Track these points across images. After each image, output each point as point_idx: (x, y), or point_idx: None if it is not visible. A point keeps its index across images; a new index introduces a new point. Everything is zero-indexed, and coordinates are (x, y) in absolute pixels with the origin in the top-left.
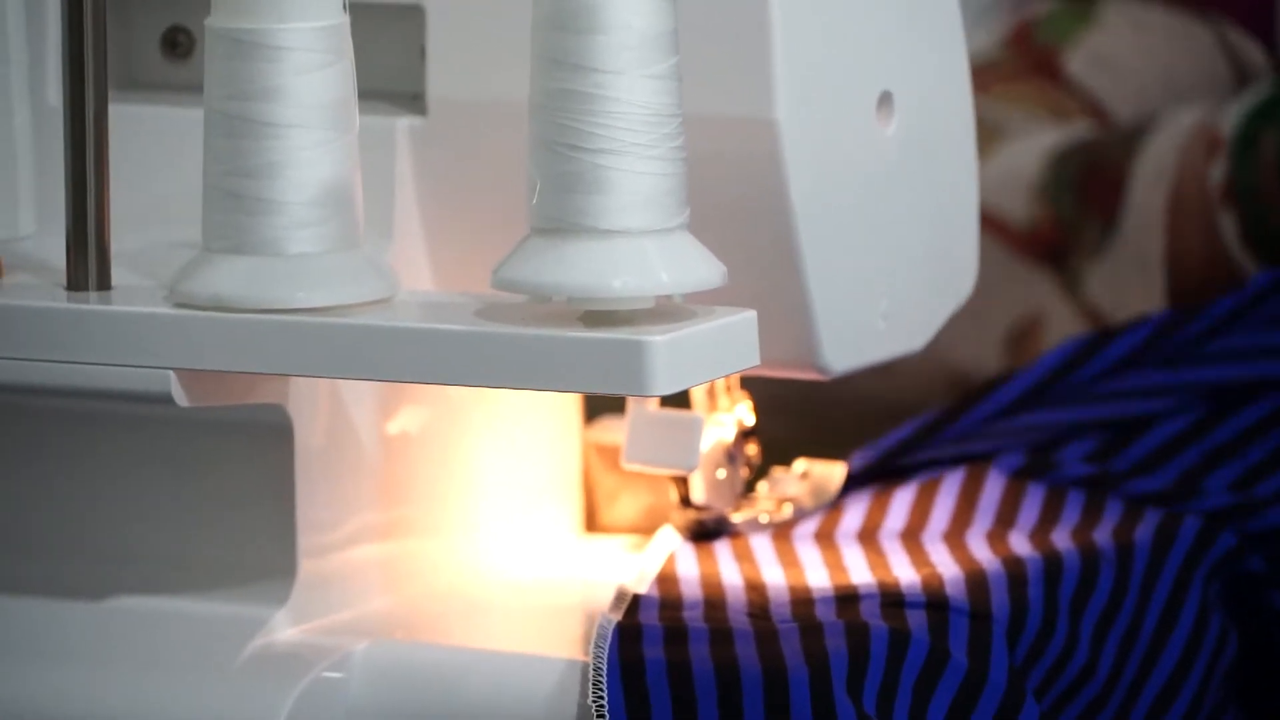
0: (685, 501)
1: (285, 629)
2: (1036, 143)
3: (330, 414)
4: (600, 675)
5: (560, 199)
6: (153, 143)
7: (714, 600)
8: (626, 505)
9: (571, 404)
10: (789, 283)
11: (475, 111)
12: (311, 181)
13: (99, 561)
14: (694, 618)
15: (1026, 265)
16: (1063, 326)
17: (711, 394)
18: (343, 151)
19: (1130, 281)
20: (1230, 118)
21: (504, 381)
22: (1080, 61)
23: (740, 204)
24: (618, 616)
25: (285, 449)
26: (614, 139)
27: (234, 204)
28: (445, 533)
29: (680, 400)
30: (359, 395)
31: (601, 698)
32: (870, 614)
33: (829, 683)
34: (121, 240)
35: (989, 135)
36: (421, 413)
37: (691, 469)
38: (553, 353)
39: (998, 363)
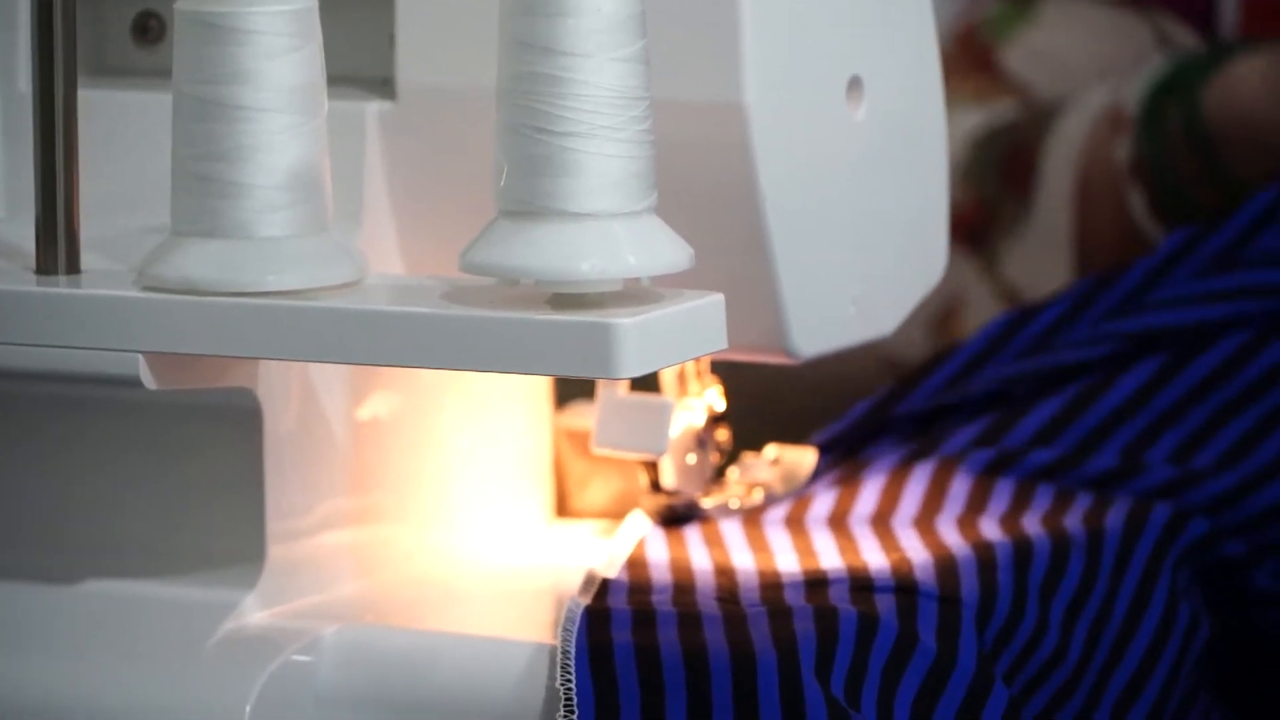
0: (655, 486)
1: (255, 613)
2: (959, 127)
3: (300, 399)
4: (568, 659)
5: (528, 182)
6: (123, 128)
7: (683, 585)
8: (597, 490)
9: (542, 389)
10: (758, 267)
11: (444, 96)
12: (281, 165)
13: (66, 546)
14: (663, 602)
15: (951, 248)
16: (982, 307)
17: (682, 379)
18: (312, 135)
19: (1043, 260)
20: (1134, 94)
21: (473, 364)
22: (1016, 56)
23: (709, 188)
24: (586, 600)
25: (255, 433)
26: (581, 122)
27: (203, 187)
28: (415, 518)
29: (650, 385)
30: (329, 380)
31: (570, 681)
32: (839, 598)
33: (797, 667)
34: (91, 225)
35: None
36: (392, 398)
37: (661, 454)
38: (521, 335)
39: (923, 346)
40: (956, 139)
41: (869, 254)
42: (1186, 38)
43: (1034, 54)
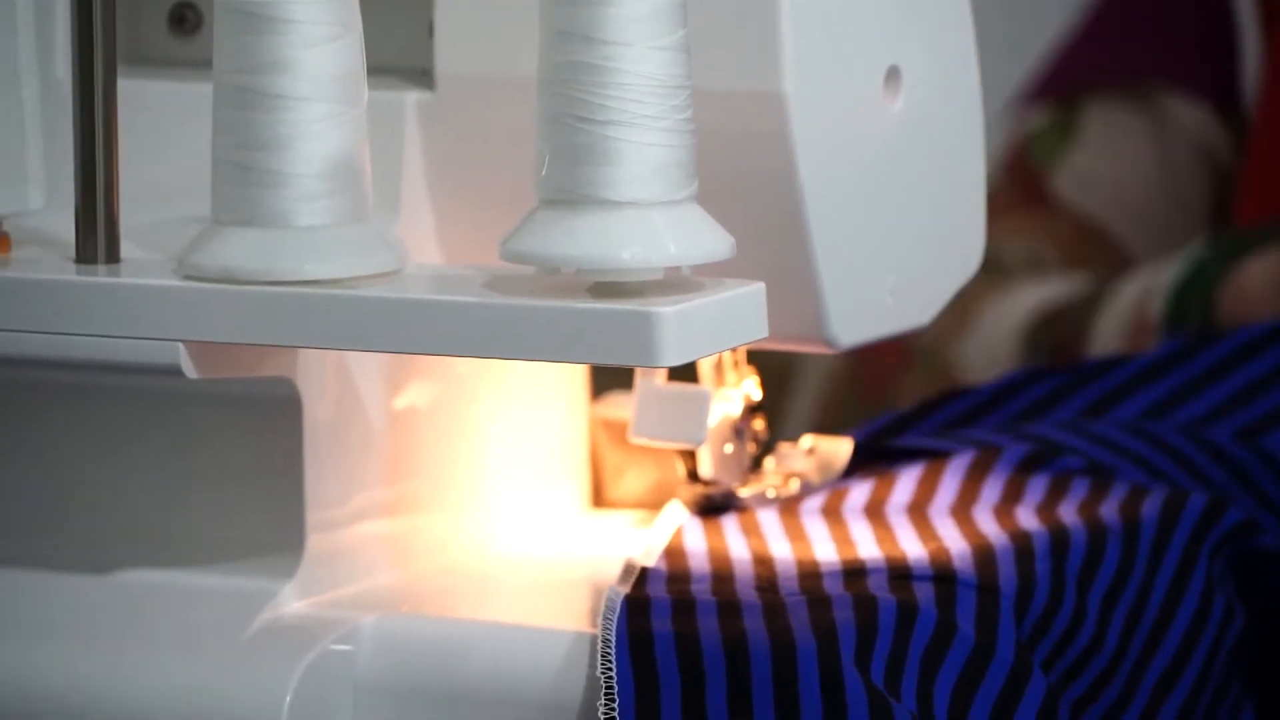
0: (693, 476)
1: (293, 602)
2: (1013, 310)
3: (338, 388)
4: (609, 648)
5: (568, 171)
6: (160, 118)
7: (722, 574)
8: (634, 480)
9: (579, 379)
10: (797, 256)
11: (483, 86)
12: (320, 154)
13: (107, 535)
14: (702, 591)
15: None
16: None
17: (719, 369)
18: (351, 124)
19: None
20: (1159, 296)
21: (513, 353)
22: (1067, 182)
23: (749, 177)
24: (626, 589)
25: (294, 423)
26: (622, 110)
27: (243, 176)
28: (452, 507)
29: (688, 375)
30: (367, 369)
31: (610, 670)
32: (878, 587)
33: (837, 655)
34: (130, 215)
35: (994, 270)
36: (429, 387)
37: (699, 443)
38: (561, 324)
39: None
40: (1013, 320)
41: (906, 244)
42: (1209, 125)
43: (1081, 177)
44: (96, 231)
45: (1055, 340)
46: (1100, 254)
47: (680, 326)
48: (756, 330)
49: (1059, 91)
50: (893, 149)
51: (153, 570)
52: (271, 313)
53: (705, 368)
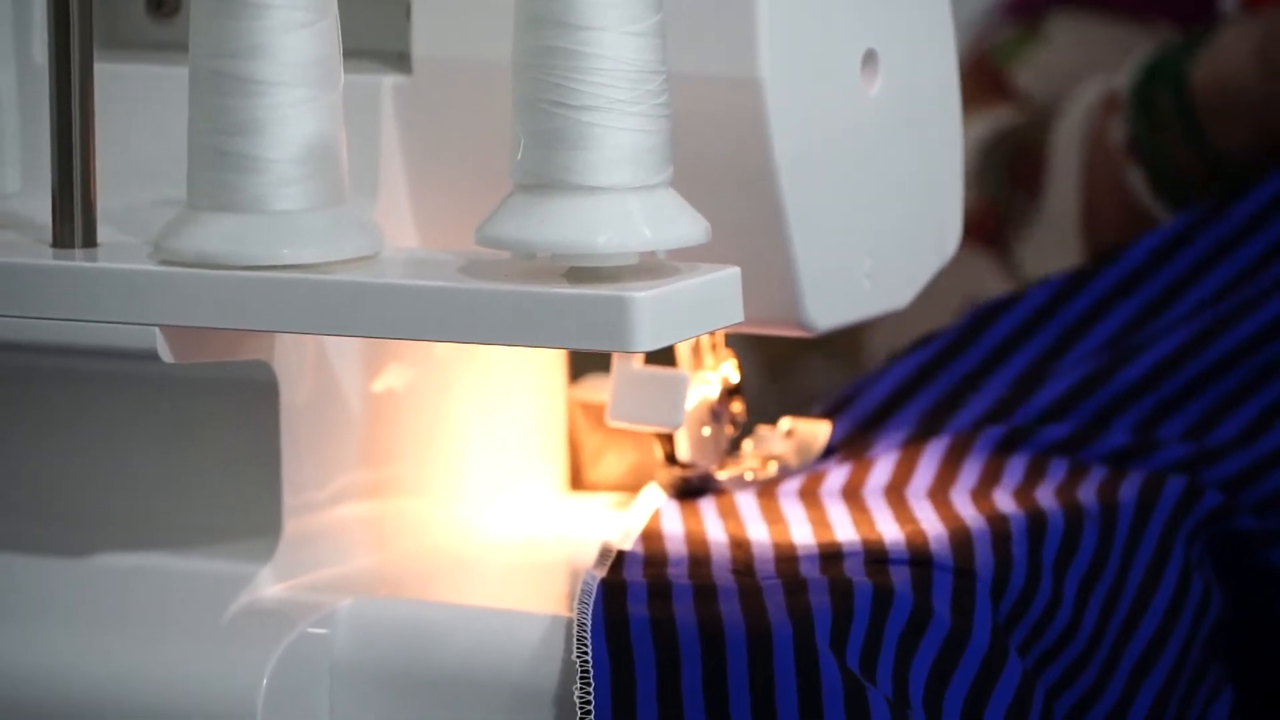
0: (670, 459)
1: (270, 586)
2: (967, 137)
3: (316, 371)
4: (584, 631)
5: (544, 155)
6: (138, 101)
7: (699, 557)
8: (611, 463)
9: (556, 362)
10: (773, 240)
11: (460, 70)
12: (296, 139)
13: (83, 519)
14: (678, 575)
15: (968, 249)
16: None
17: (696, 352)
18: (327, 109)
19: (1054, 249)
20: (1127, 77)
21: (489, 338)
22: (1026, 74)
23: (725, 162)
24: (602, 573)
25: (270, 406)
26: (597, 95)
27: (219, 161)
28: (430, 491)
29: (665, 358)
30: (345, 353)
31: (586, 654)
32: (854, 571)
33: (813, 639)
34: (107, 199)
35: None
36: (407, 371)
37: (676, 426)
38: (537, 309)
39: None
40: (967, 148)
41: (884, 227)
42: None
43: (1042, 70)
44: (73, 216)
45: (1014, 150)
46: None
47: (655, 311)
48: (732, 315)
49: (1028, 12)
50: (870, 133)
51: (129, 554)
52: (248, 297)
53: (683, 351)
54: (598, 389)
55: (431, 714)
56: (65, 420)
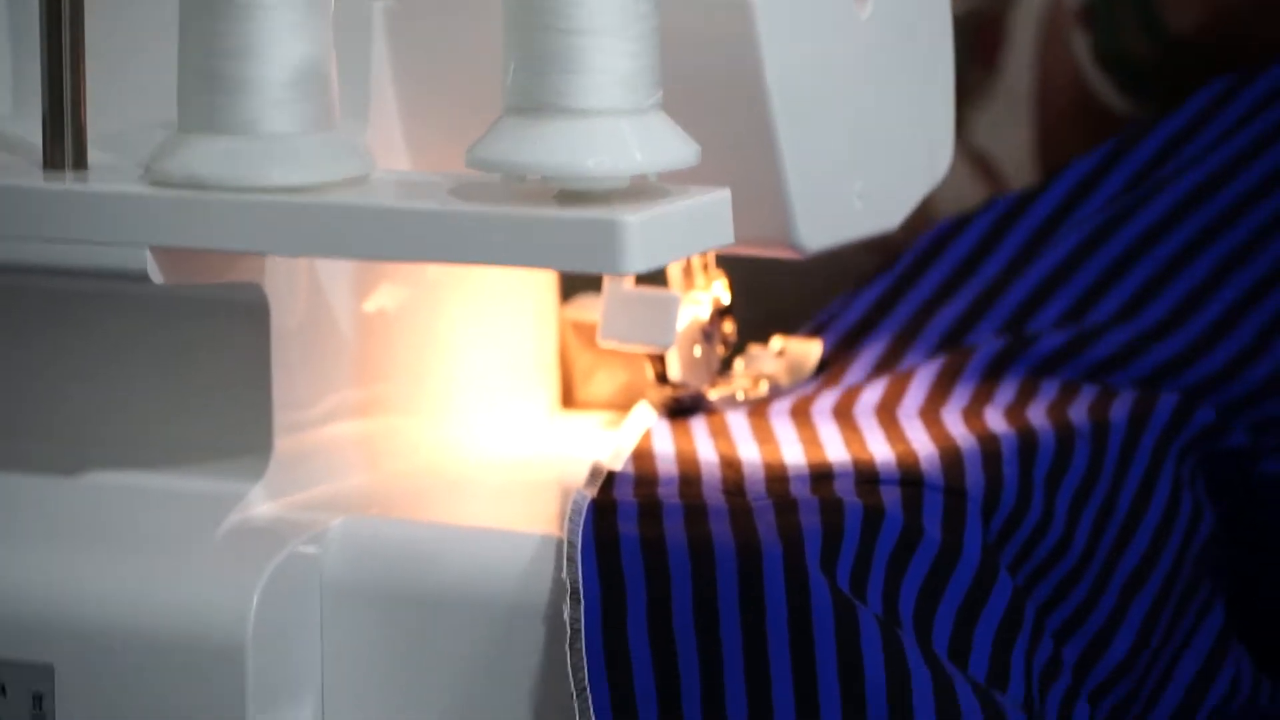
0: (661, 379)
1: (261, 504)
2: None
3: (307, 292)
4: (574, 551)
5: (534, 78)
6: (129, 22)
7: (689, 477)
8: (603, 382)
9: (548, 282)
10: (764, 162)
11: None
12: (287, 61)
13: (75, 439)
14: (669, 494)
15: None
16: (954, 173)
17: (688, 272)
18: (318, 32)
19: (1007, 122)
20: None
21: (478, 259)
22: None
23: (715, 84)
24: (593, 493)
25: (262, 327)
26: (588, 18)
27: (210, 84)
28: (422, 410)
29: (657, 278)
30: (336, 273)
31: (576, 573)
32: (845, 491)
33: (803, 559)
34: (98, 122)
35: None
36: (399, 292)
37: (667, 346)
38: (527, 231)
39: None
40: None
41: (874, 148)
42: None
43: None
44: (64, 138)
45: (977, 27)
46: None
47: (645, 233)
48: (722, 236)
49: None
50: (861, 54)
51: (121, 472)
52: (238, 219)
53: (674, 271)
54: (589, 308)
55: (422, 632)
56: (57, 341)
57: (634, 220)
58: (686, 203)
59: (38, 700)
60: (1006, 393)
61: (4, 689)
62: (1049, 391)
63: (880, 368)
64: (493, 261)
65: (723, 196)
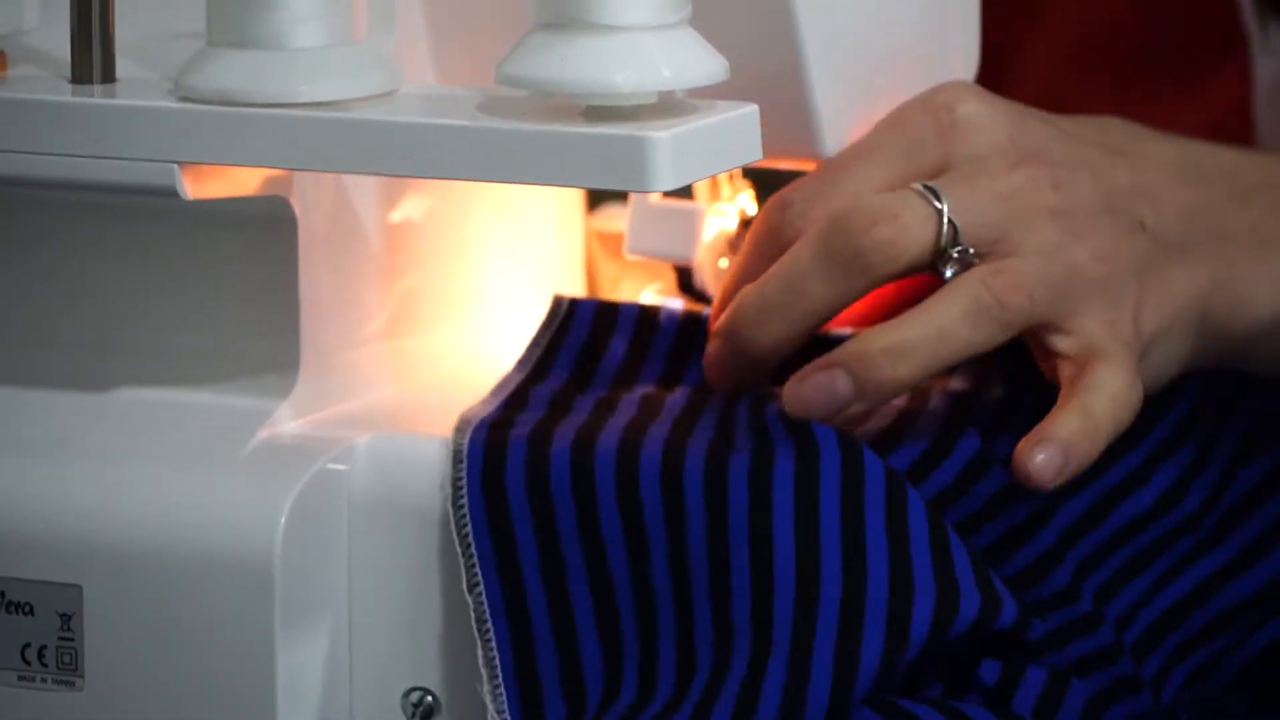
0: (686, 289)
1: (289, 421)
2: None
3: (334, 206)
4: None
5: None
6: None
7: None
8: (629, 292)
9: (575, 193)
10: (790, 74)
11: None
12: None
13: (102, 354)
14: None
15: None
16: None
17: (714, 184)
18: None
19: None
20: None
21: (506, 176)
22: None
23: None
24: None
25: (289, 241)
26: None
27: None
28: (449, 324)
29: (683, 190)
30: (363, 188)
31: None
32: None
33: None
34: (127, 30)
35: None
36: (426, 203)
37: (693, 259)
38: (555, 148)
39: None
40: None
41: (901, 58)
42: None
43: None
44: (92, 51)
45: None
46: None
47: (674, 150)
48: (751, 153)
49: None
50: None
51: (149, 388)
52: (265, 134)
53: (700, 184)
54: (616, 218)
55: (449, 549)
56: (83, 256)
57: (663, 137)
58: (715, 119)
59: (66, 620)
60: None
61: (32, 609)
62: None
63: None
64: (521, 179)
65: (751, 112)
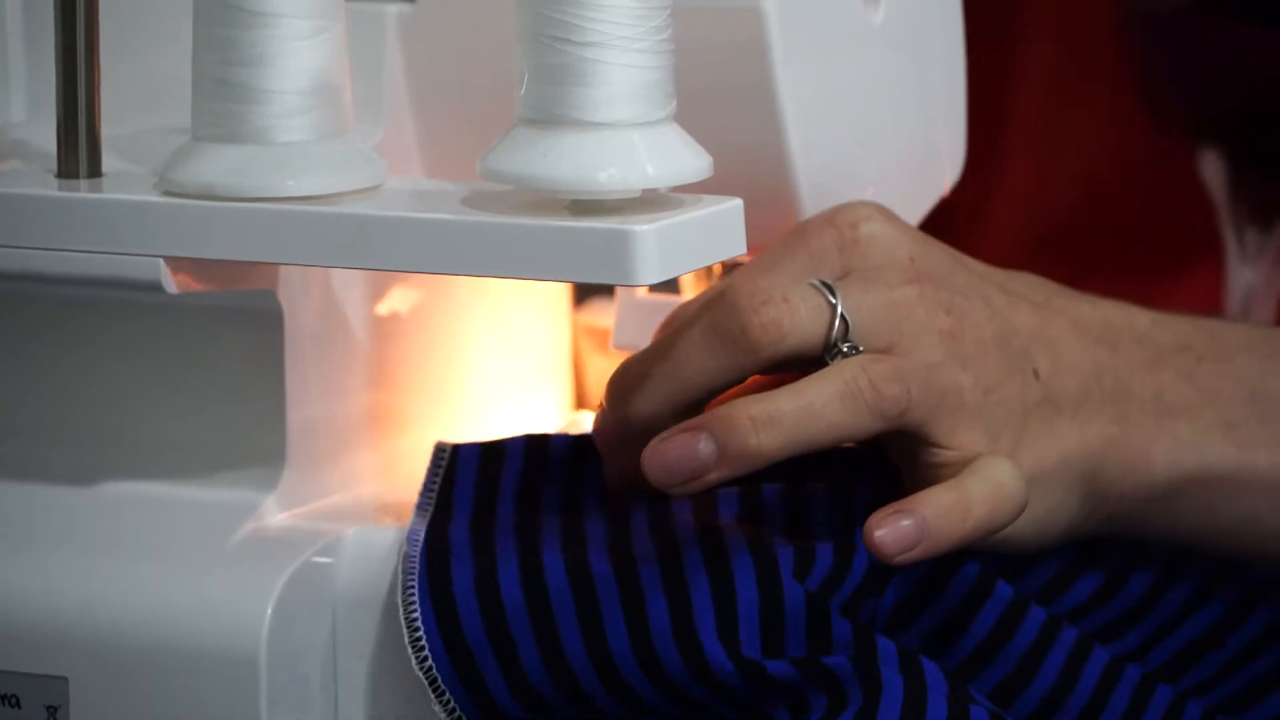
0: None
1: (275, 514)
2: None
3: (321, 299)
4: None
5: (547, 90)
6: (144, 27)
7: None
8: None
9: (561, 287)
10: (776, 171)
11: (464, 0)
12: (300, 70)
13: (89, 447)
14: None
15: None
16: None
17: (699, 277)
18: (331, 40)
19: None
20: None
21: (492, 270)
22: None
23: (727, 93)
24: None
25: (275, 334)
26: (601, 31)
27: (223, 92)
28: (436, 417)
29: (669, 283)
30: (350, 281)
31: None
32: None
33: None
34: (113, 125)
35: None
36: (412, 298)
37: None
38: (540, 242)
39: None
40: None
41: (886, 157)
42: None
43: None
44: (78, 146)
45: None
46: None
47: (658, 244)
48: (735, 246)
49: None
50: (873, 62)
51: (135, 481)
52: (251, 229)
53: (687, 277)
54: (603, 313)
55: None
56: (70, 350)
57: (647, 230)
58: (700, 213)
59: (52, 712)
60: None
61: (19, 701)
62: None
63: None
64: (507, 273)
65: (735, 206)
